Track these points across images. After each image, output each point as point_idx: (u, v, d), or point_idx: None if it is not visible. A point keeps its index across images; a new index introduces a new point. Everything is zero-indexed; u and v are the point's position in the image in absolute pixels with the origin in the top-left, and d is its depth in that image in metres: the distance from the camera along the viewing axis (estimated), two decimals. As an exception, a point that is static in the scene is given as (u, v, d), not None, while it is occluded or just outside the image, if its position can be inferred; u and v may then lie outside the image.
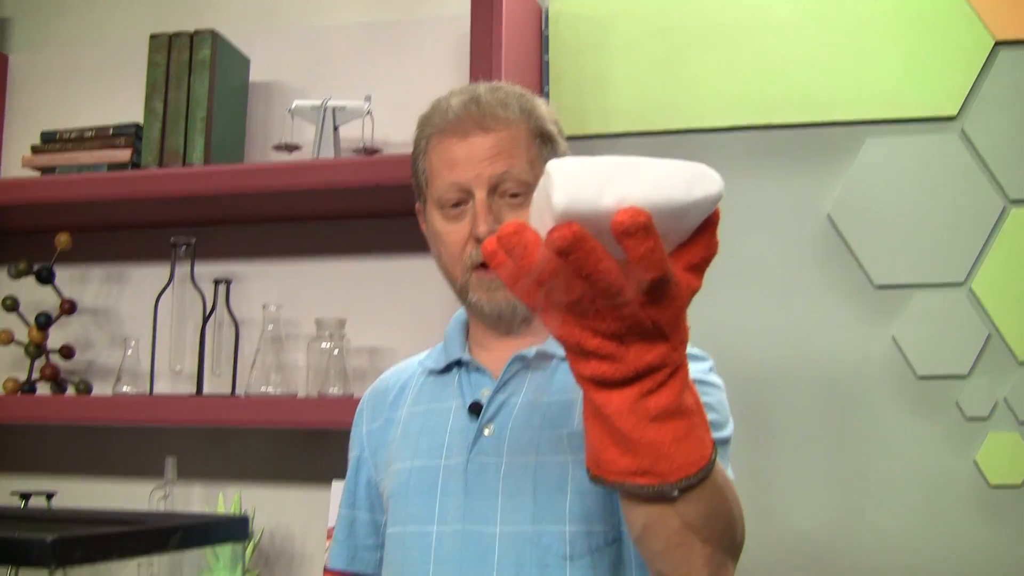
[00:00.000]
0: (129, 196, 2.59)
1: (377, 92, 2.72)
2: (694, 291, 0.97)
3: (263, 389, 2.57)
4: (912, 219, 2.47)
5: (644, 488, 0.99)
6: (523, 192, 1.48)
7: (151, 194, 2.57)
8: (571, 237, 0.87)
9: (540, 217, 0.94)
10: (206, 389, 2.64)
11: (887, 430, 2.42)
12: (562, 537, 1.39)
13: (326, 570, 1.69)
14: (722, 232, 0.99)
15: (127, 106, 2.90)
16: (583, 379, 0.98)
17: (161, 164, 2.64)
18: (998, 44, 2.47)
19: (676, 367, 0.98)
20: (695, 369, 1.44)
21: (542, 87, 2.65)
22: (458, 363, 1.59)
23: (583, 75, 2.65)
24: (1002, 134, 2.45)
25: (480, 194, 1.47)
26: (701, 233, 0.96)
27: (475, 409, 1.50)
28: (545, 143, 1.54)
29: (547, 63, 2.67)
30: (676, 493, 1.01)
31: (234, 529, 1.71)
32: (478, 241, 1.47)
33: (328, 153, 2.60)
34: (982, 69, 2.47)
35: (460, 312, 1.66)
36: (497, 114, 1.49)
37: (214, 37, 2.68)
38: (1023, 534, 2.33)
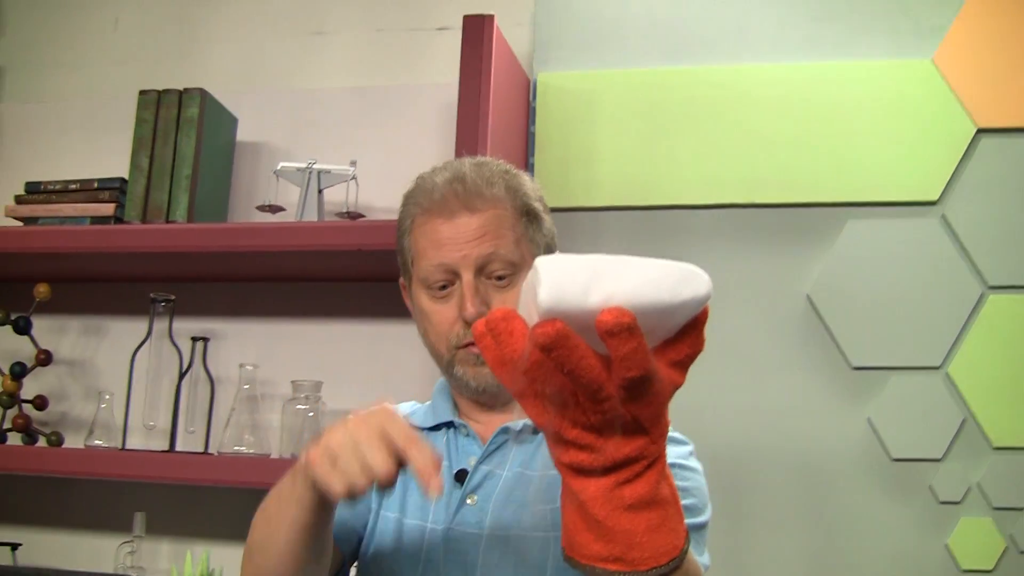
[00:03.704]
0: (110, 250, 2.58)
1: (363, 156, 2.72)
2: (676, 387, 0.97)
3: (236, 448, 2.55)
4: (891, 302, 2.48)
5: (614, 574, 0.99)
6: (509, 273, 1.49)
7: (133, 249, 2.57)
8: (554, 335, 0.88)
9: (527, 309, 0.94)
10: (179, 446, 2.62)
11: (861, 511, 2.42)
12: None
13: None
14: (700, 308, 0.99)
15: (113, 161, 2.88)
16: (561, 464, 0.99)
17: (144, 220, 2.64)
18: (980, 131, 2.50)
19: (654, 459, 0.98)
20: (674, 453, 1.44)
21: (527, 158, 2.66)
22: (448, 424, 1.58)
23: (568, 148, 2.67)
24: (982, 220, 2.47)
25: (467, 276, 1.47)
26: (688, 331, 0.96)
27: (460, 477, 1.50)
28: (531, 221, 1.54)
29: (533, 134, 2.68)
30: None
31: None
32: (465, 322, 1.47)
33: (312, 216, 2.60)
34: (964, 155, 2.50)
35: (443, 380, 1.65)
36: (483, 193, 1.49)
37: (203, 95, 2.69)
38: (993, 620, 2.34)
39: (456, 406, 1.62)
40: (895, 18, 2.58)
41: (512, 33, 2.69)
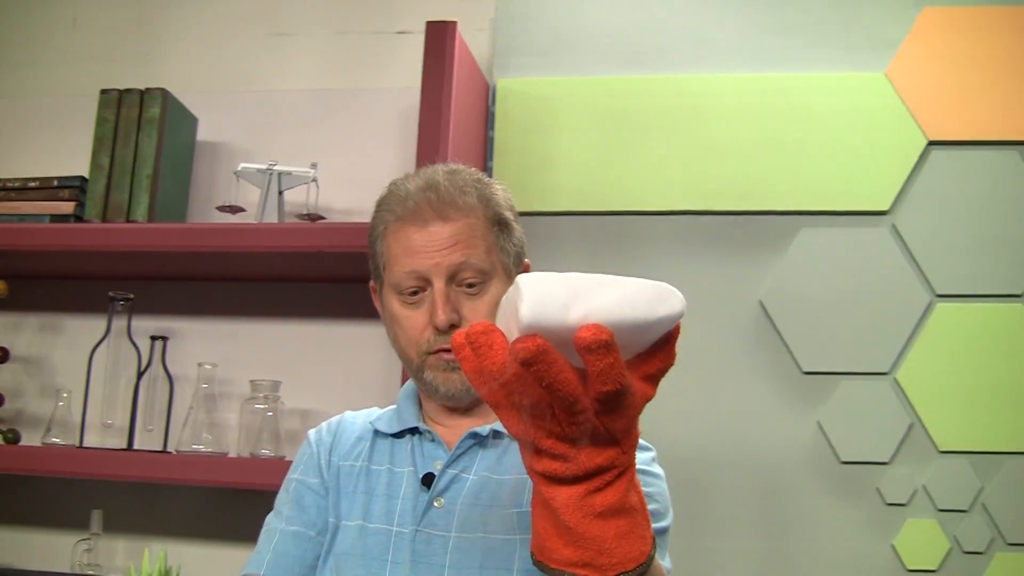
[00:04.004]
0: (70, 248, 2.58)
1: (322, 159, 2.74)
2: (648, 399, 1.01)
3: (195, 447, 2.56)
4: (841, 309, 2.53)
5: None
6: (480, 281, 1.51)
7: (93, 248, 2.57)
8: (535, 350, 0.91)
9: (506, 323, 0.97)
10: (137, 444, 2.62)
11: (810, 513, 2.46)
12: None
13: None
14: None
15: (72, 159, 2.88)
16: (534, 473, 1.02)
17: (105, 219, 2.64)
18: (931, 144, 2.56)
19: (624, 468, 1.01)
20: (638, 459, 1.46)
21: (486, 162, 2.68)
22: (412, 430, 1.60)
23: (527, 153, 2.69)
24: (931, 230, 2.53)
25: (439, 284, 1.49)
26: (661, 346, 1.01)
27: (427, 480, 1.52)
28: (502, 230, 1.56)
29: (492, 139, 2.70)
30: None
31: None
32: (436, 328, 1.49)
33: (272, 217, 2.61)
34: (915, 167, 2.55)
35: (411, 383, 1.67)
36: (456, 202, 1.51)
37: (164, 95, 2.69)
38: (937, 619, 2.40)
39: (421, 411, 1.64)
40: (850, 32, 2.63)
41: (472, 38, 2.71)
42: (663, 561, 1.44)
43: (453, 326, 1.48)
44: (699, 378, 2.54)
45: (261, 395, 2.59)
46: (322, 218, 2.68)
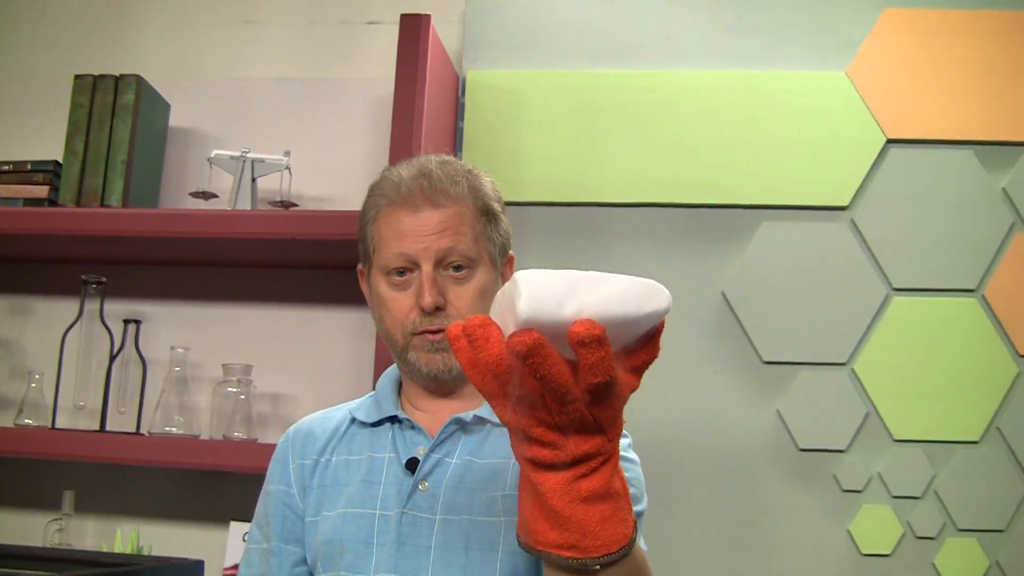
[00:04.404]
0: (43, 232, 2.59)
1: (295, 147, 2.76)
2: (633, 390, 1.07)
3: (167, 429, 2.58)
4: (801, 301, 2.59)
5: (568, 560, 1.07)
6: (466, 266, 1.56)
7: (66, 232, 2.58)
8: (531, 343, 0.96)
9: (502, 316, 1.02)
10: (109, 426, 2.63)
11: (769, 499, 2.52)
12: None
13: None
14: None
15: (45, 144, 2.88)
16: (523, 459, 1.07)
17: (79, 204, 2.65)
18: (889, 142, 2.61)
19: (609, 455, 1.06)
20: (617, 445, 1.52)
21: (455, 153, 2.69)
22: (392, 419, 1.63)
23: (495, 144, 2.72)
24: (889, 226, 2.59)
25: (426, 267, 1.54)
26: (647, 340, 1.06)
27: (411, 465, 1.55)
28: (489, 220, 1.61)
29: (461, 130, 2.73)
30: (597, 567, 1.09)
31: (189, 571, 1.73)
32: (422, 310, 1.54)
33: (245, 204, 2.63)
34: (873, 164, 2.61)
35: (391, 370, 1.71)
36: (447, 190, 1.56)
37: (139, 82, 2.70)
38: (890, 602, 2.46)
39: (400, 399, 1.67)
40: (813, 32, 2.68)
41: (443, 30, 2.74)
42: (640, 543, 1.49)
43: (438, 309, 1.53)
44: (662, 367, 2.51)
45: (233, 379, 2.62)
46: (295, 205, 2.70)
